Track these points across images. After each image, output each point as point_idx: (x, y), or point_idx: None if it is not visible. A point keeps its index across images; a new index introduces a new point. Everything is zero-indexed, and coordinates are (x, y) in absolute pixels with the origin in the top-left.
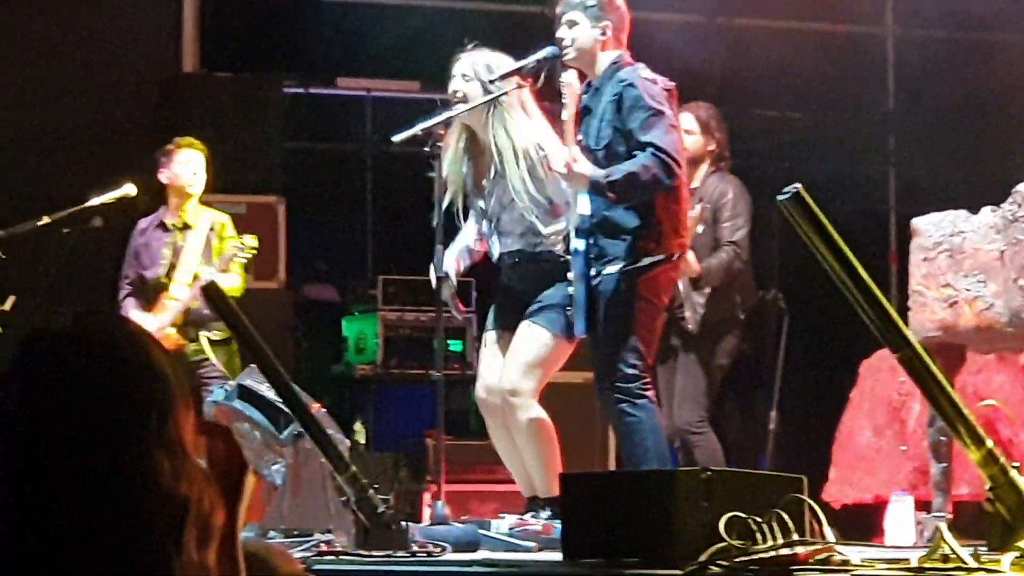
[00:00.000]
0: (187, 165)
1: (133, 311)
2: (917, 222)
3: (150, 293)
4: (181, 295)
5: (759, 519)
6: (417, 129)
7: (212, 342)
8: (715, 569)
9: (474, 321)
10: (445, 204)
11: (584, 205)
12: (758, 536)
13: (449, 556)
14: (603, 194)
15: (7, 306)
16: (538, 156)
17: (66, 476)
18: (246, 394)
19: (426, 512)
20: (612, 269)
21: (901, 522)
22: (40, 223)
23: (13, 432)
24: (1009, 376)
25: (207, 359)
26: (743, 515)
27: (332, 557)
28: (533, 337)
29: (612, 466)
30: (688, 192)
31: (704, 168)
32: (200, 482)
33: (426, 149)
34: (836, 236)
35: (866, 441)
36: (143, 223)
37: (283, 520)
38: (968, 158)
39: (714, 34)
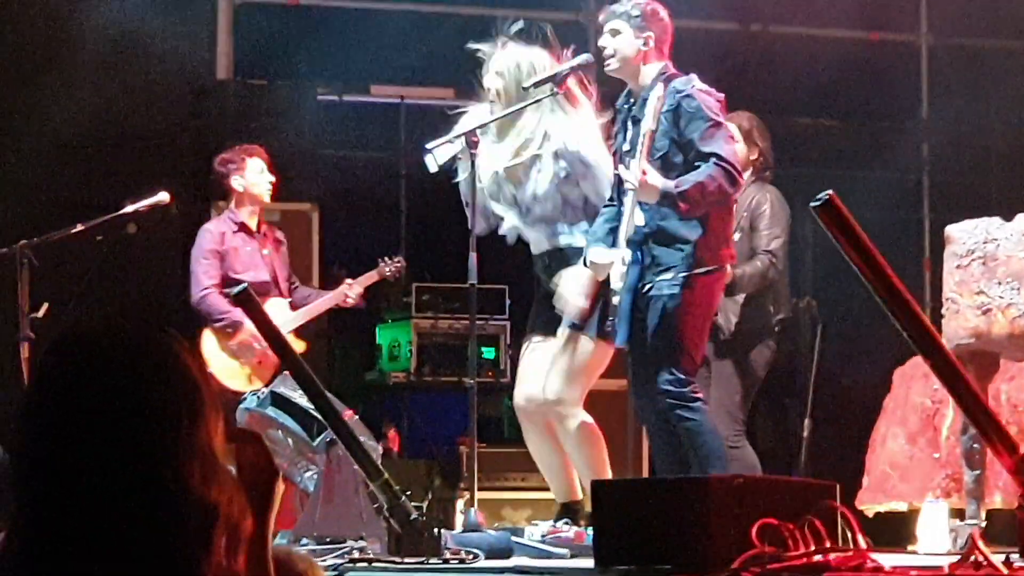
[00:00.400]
0: (262, 173)
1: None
2: (950, 229)
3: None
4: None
5: (792, 526)
6: (451, 137)
7: None
8: None
9: (508, 328)
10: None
11: (639, 216)
12: (790, 543)
13: (482, 563)
14: (675, 206)
15: (40, 313)
16: (575, 156)
17: (96, 481)
18: (279, 401)
19: (459, 519)
20: (667, 277)
21: (934, 529)
22: (74, 230)
23: (43, 436)
24: None
25: None
26: (776, 522)
27: (364, 564)
28: (573, 344)
29: (645, 473)
30: (734, 202)
31: (746, 176)
32: (230, 489)
33: (459, 157)
34: (869, 243)
35: (899, 448)
36: (217, 227)
37: (315, 527)
38: (1001, 165)
39: (749, 41)
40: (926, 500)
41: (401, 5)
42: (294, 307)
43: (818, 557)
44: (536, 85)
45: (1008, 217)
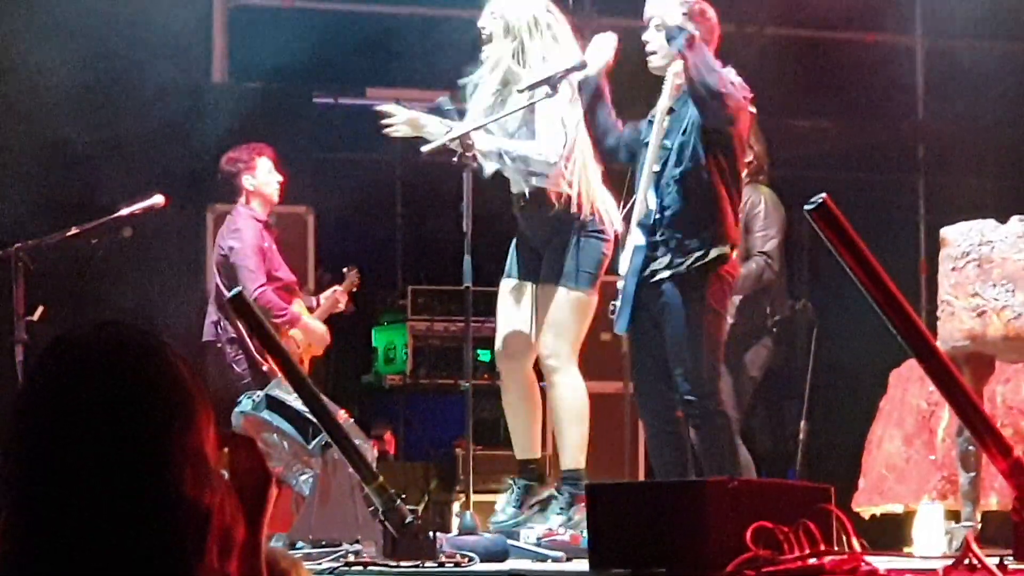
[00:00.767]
0: (271, 173)
1: (304, 313)
2: (946, 231)
3: (283, 295)
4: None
5: (787, 529)
6: (446, 139)
7: None
8: None
9: None
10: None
11: (651, 199)
12: (785, 546)
13: (477, 566)
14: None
15: (36, 316)
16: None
17: (87, 485)
18: (274, 404)
19: (455, 522)
20: (690, 259)
21: (930, 532)
22: (69, 233)
23: (35, 440)
24: None
25: None
26: (771, 525)
27: (360, 568)
28: (556, 298)
29: (641, 476)
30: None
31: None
32: (222, 493)
33: (455, 160)
34: (863, 246)
35: (895, 450)
36: (251, 222)
37: (311, 530)
38: (997, 167)
39: (745, 43)
40: (922, 502)
41: (397, 8)
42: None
43: (813, 560)
44: (532, 88)
45: (1003, 219)
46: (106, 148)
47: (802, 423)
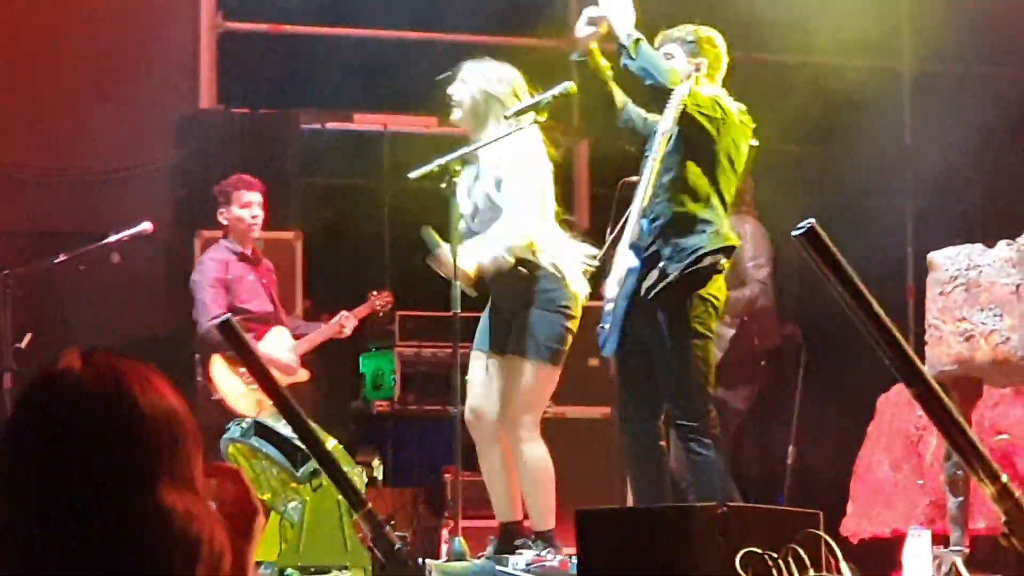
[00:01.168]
0: (250, 207)
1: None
2: (933, 256)
3: (251, 326)
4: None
5: (775, 555)
6: (434, 165)
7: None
8: None
9: None
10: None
11: (636, 223)
12: (774, 572)
13: None
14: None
15: (24, 343)
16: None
17: (76, 515)
18: (263, 431)
19: (444, 548)
20: (681, 266)
21: (918, 556)
22: (57, 260)
23: (23, 470)
24: None
25: None
26: (759, 551)
27: None
28: (519, 371)
29: (629, 501)
30: None
31: None
32: (210, 523)
33: (443, 185)
34: (851, 271)
35: (884, 475)
36: (221, 255)
37: (300, 557)
38: (984, 191)
39: (731, 69)
40: (910, 527)
41: (384, 32)
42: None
43: None
44: (517, 114)
45: (991, 244)
46: (95, 174)
47: (790, 448)
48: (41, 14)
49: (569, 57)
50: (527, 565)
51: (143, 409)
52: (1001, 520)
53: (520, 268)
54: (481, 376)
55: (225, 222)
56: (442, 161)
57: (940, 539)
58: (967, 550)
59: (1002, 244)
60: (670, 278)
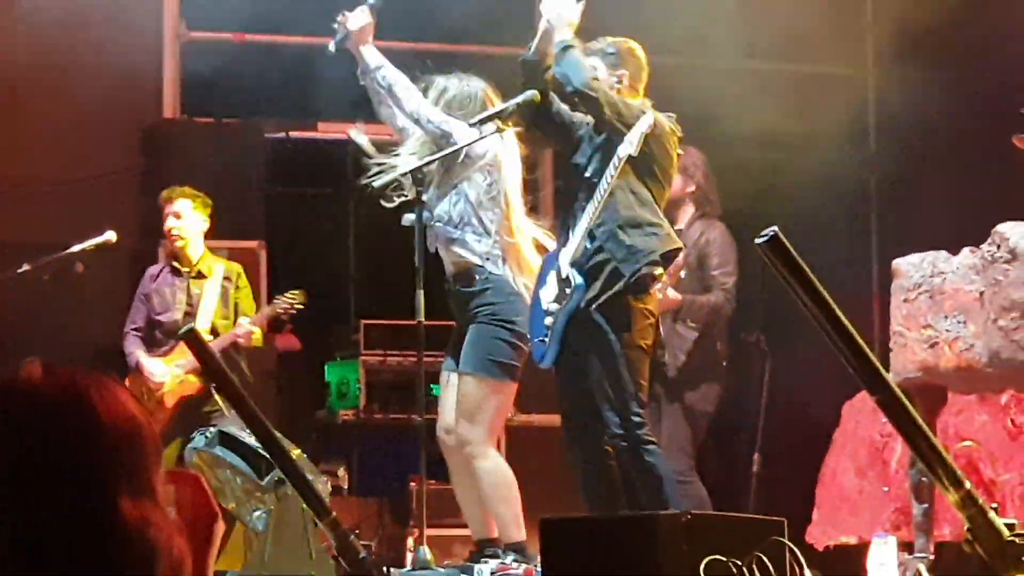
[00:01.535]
0: (171, 218)
1: (142, 355)
2: (898, 263)
3: (162, 338)
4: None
5: (739, 562)
6: (397, 174)
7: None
8: None
9: None
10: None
11: (581, 239)
12: None
13: None
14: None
15: None
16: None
17: (37, 523)
18: (227, 441)
19: (409, 557)
20: (643, 262)
21: (884, 563)
22: (20, 270)
23: None
24: (990, 416)
25: (218, 409)
26: (723, 558)
27: None
28: (467, 388)
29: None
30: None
31: (690, 211)
32: (169, 530)
33: (406, 194)
34: (814, 279)
35: (849, 482)
36: (154, 269)
37: (264, 566)
38: (948, 199)
39: (697, 75)
40: (875, 534)
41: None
42: None
43: None
44: (482, 122)
45: (955, 251)
46: (59, 184)
47: (755, 455)
48: (1, 21)
49: (521, 58)
50: (492, 573)
51: (102, 418)
52: (965, 527)
53: (472, 274)
54: (447, 393)
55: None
56: (405, 169)
57: (905, 546)
58: (932, 557)
59: (966, 251)
60: (617, 287)
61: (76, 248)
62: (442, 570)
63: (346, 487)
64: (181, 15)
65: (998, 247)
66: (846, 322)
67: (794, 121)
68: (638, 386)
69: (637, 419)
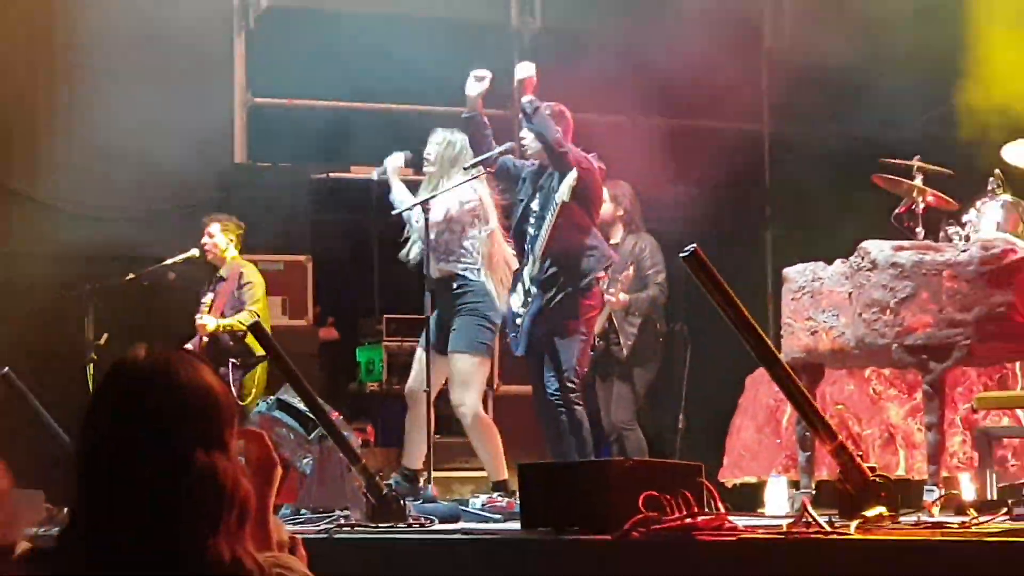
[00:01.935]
0: (205, 236)
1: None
2: (787, 271)
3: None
4: (207, 326)
5: (669, 496)
6: (410, 205)
7: (235, 366)
8: (636, 535)
9: None
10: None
11: (538, 260)
12: (668, 510)
13: (437, 527)
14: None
15: (102, 341)
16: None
17: (137, 469)
18: (283, 406)
19: (421, 486)
20: (569, 289)
21: (777, 496)
22: (127, 278)
23: (101, 437)
24: (856, 386)
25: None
26: (657, 494)
27: (348, 528)
28: (462, 364)
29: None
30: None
31: (620, 230)
32: (236, 475)
33: (416, 222)
34: (724, 283)
35: (750, 436)
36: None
37: (311, 501)
38: (826, 222)
39: (632, 130)
40: (771, 475)
41: (369, 104)
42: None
43: (689, 520)
44: (473, 166)
45: (830, 261)
46: (155, 212)
47: (680, 416)
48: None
49: (462, 116)
50: (482, 505)
51: (186, 387)
52: (838, 470)
53: (453, 280)
54: (420, 364)
55: None
56: (416, 201)
57: (793, 484)
58: (813, 491)
59: (838, 262)
60: (568, 290)
61: (168, 261)
62: (444, 503)
63: (372, 441)
64: (247, 85)
65: (863, 259)
66: (748, 316)
67: (708, 162)
68: (579, 362)
69: (571, 386)
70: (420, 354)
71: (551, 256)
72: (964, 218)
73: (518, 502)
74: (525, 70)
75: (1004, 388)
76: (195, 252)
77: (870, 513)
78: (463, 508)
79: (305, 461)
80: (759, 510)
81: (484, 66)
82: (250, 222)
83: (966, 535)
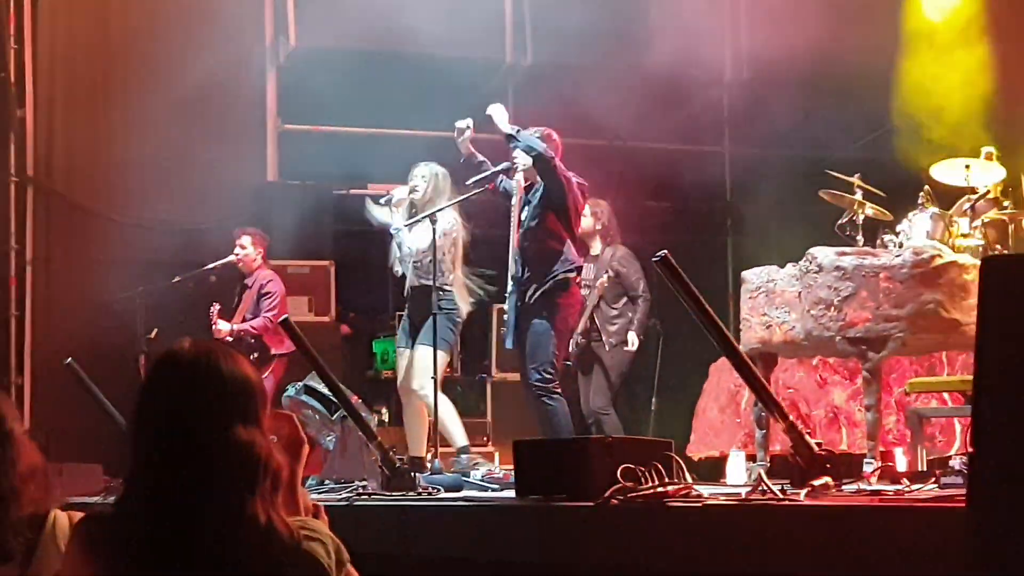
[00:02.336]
0: (237, 246)
1: None
2: (745, 274)
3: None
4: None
5: (643, 468)
6: (420, 218)
7: (254, 361)
8: (615, 502)
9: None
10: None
11: (517, 265)
12: (642, 480)
13: (443, 495)
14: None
15: (152, 335)
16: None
17: (185, 443)
18: (309, 391)
19: (428, 466)
20: (546, 284)
21: (737, 468)
22: (175, 280)
23: (152, 418)
24: (805, 373)
25: None
26: (633, 466)
27: (366, 496)
28: (425, 355)
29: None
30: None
31: (598, 242)
32: (270, 449)
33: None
34: (691, 285)
35: (714, 416)
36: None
37: (334, 472)
38: (779, 231)
39: (611, 153)
40: (732, 450)
41: (383, 130)
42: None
43: (660, 489)
44: (475, 183)
45: (782, 265)
46: (200, 225)
47: (653, 399)
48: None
49: (460, 161)
50: (482, 476)
51: (224, 374)
52: (790, 445)
53: (428, 290)
54: (404, 363)
55: None
56: (425, 215)
57: (750, 457)
58: (768, 464)
59: (789, 266)
60: (543, 288)
61: (209, 266)
62: (449, 474)
63: (387, 421)
64: (278, 113)
65: (811, 263)
66: (712, 312)
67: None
68: (555, 354)
69: (549, 376)
70: (402, 357)
71: (526, 258)
72: (898, 228)
73: (513, 474)
74: (495, 111)
75: (932, 375)
76: (232, 258)
77: (817, 483)
78: (465, 479)
79: (329, 438)
80: (721, 480)
81: (479, 99)
82: (280, 231)
83: (900, 501)
